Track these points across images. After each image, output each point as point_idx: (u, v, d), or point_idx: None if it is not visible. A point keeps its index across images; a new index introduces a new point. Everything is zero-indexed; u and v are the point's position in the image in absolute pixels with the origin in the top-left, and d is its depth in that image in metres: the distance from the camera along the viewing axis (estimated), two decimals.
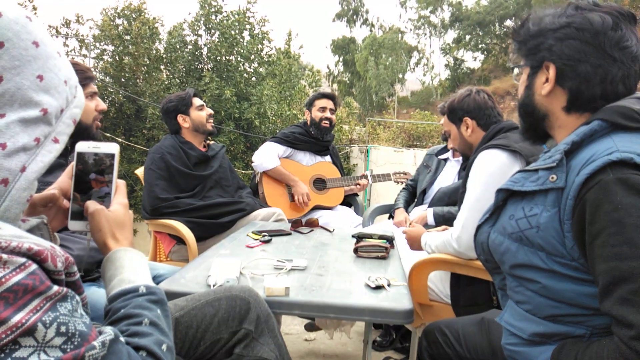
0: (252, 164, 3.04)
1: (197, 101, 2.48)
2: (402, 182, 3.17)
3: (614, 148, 0.77)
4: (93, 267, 1.41)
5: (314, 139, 3.09)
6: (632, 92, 0.89)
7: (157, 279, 1.54)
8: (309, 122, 3.09)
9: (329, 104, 3.09)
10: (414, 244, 1.80)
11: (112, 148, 0.85)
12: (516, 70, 1.05)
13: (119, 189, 0.86)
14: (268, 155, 2.95)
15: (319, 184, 3.08)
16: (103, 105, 1.54)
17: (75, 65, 1.56)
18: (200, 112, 2.47)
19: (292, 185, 2.96)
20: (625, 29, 0.87)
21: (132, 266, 0.77)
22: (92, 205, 0.81)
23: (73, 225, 0.84)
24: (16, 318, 0.49)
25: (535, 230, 0.85)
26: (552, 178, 0.83)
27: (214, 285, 1.17)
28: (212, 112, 2.54)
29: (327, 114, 3.07)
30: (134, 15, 7.38)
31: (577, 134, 0.85)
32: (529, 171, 0.91)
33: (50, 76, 0.64)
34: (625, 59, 0.86)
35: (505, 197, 0.95)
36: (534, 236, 0.85)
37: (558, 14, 0.92)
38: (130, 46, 7.08)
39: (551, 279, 0.84)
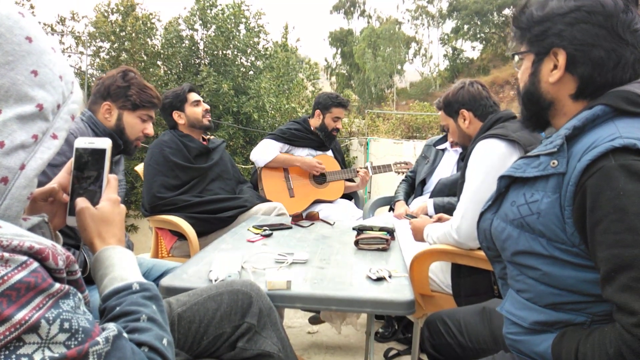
0: (252, 159, 3.03)
1: (192, 96, 2.45)
2: (403, 173, 3.13)
3: (616, 134, 0.76)
4: None
5: (313, 134, 3.08)
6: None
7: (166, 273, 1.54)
8: (317, 125, 3.04)
9: (342, 114, 3.08)
10: (417, 234, 1.80)
11: (104, 143, 0.84)
12: (516, 58, 1.01)
13: (109, 184, 0.84)
14: (266, 150, 2.95)
15: (319, 177, 3.07)
16: (151, 131, 1.64)
17: (145, 89, 1.60)
18: (196, 108, 2.44)
19: (299, 165, 2.95)
20: (634, 11, 0.85)
21: (122, 264, 0.76)
22: (79, 203, 0.80)
23: (70, 220, 0.83)
24: (19, 315, 0.49)
25: (536, 217, 0.84)
26: (553, 163, 0.82)
27: (215, 280, 1.17)
28: (208, 107, 2.52)
29: (339, 124, 3.07)
30: (127, 12, 7.32)
31: (578, 119, 0.83)
32: (530, 157, 0.90)
33: (45, 71, 0.64)
34: (636, 43, 0.84)
35: (508, 183, 0.95)
36: (534, 222, 0.85)
37: None
38: (126, 42, 7.04)
39: (552, 265, 0.84)
